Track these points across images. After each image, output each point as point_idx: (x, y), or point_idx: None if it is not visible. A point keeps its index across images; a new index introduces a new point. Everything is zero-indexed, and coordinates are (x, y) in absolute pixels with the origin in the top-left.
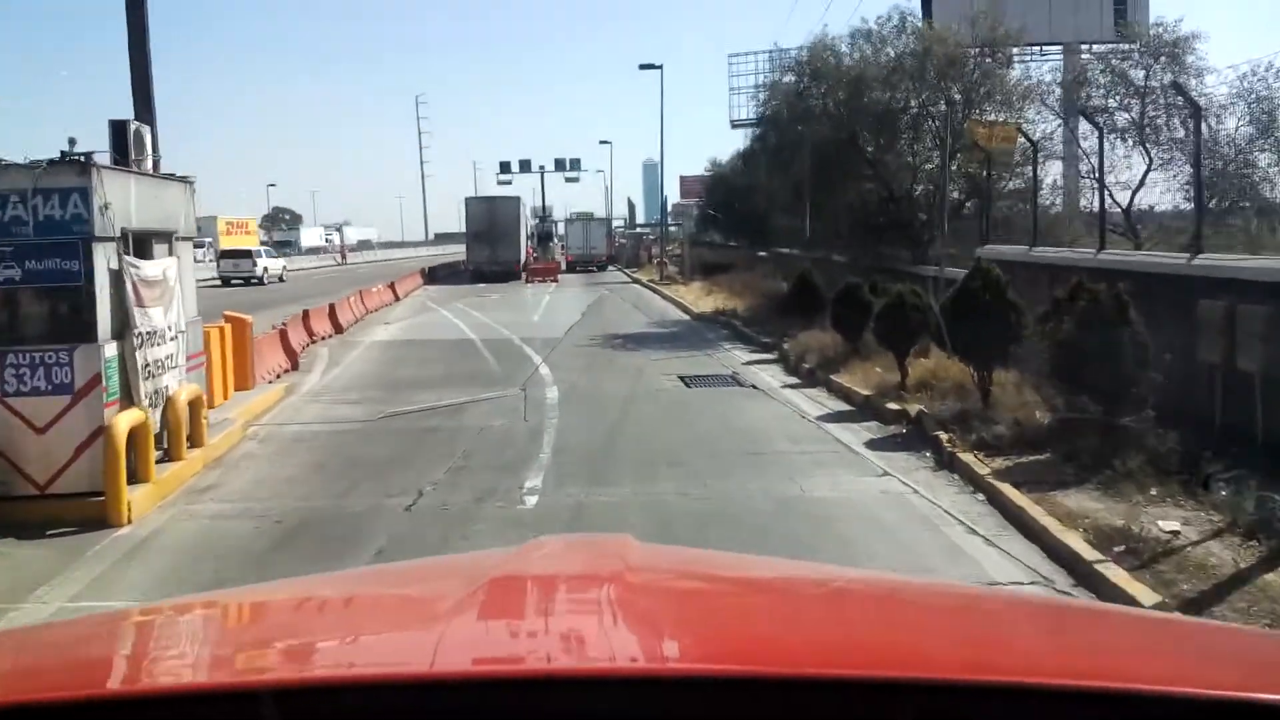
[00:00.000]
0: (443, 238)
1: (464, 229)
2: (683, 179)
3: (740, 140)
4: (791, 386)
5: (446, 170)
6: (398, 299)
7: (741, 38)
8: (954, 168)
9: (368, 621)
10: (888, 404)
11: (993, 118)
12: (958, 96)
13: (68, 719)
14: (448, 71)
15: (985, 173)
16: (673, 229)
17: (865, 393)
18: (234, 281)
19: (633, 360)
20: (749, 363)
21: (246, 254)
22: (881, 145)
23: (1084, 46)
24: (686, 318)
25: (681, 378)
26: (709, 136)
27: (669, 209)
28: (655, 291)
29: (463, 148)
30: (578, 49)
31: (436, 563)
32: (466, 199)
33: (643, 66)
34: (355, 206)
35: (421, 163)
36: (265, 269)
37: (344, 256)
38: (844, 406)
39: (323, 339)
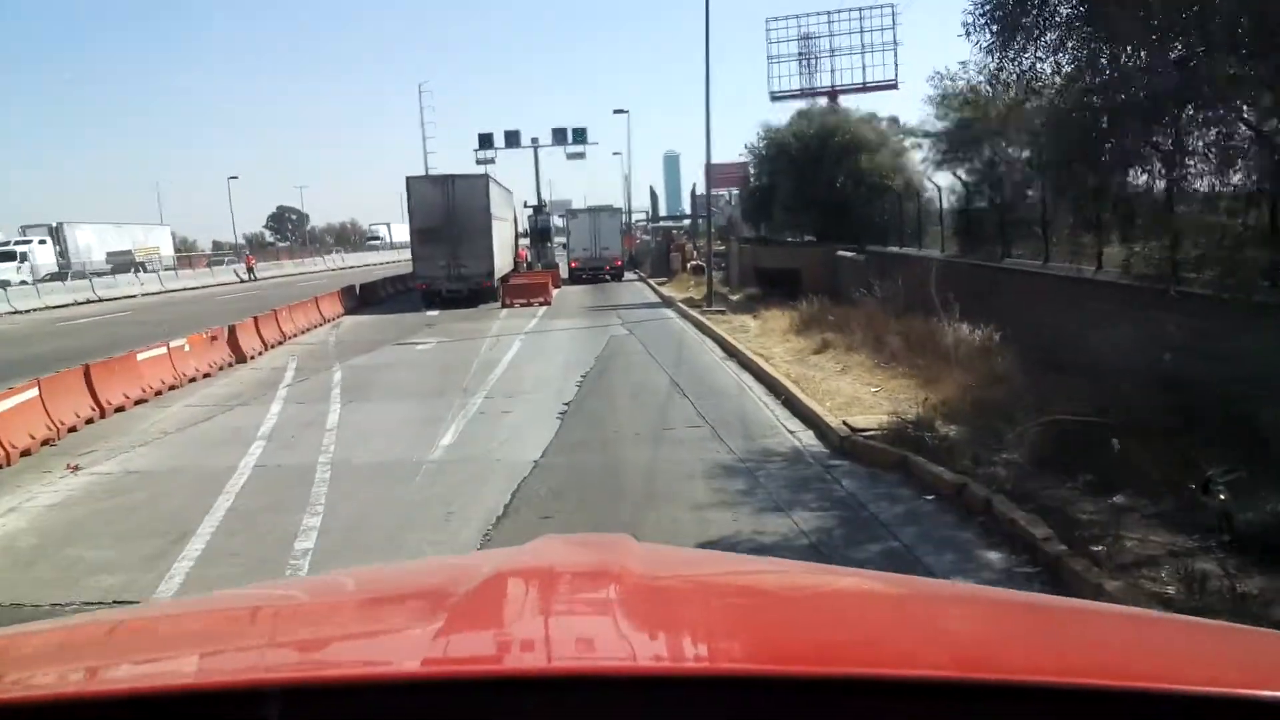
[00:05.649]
0: None
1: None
2: (709, 167)
3: (781, 116)
4: None
5: (450, 163)
6: (243, 358)
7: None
8: None
9: (368, 620)
10: None
11: None
12: None
13: (62, 718)
14: (449, 61)
15: None
16: (702, 221)
17: None
18: None
19: None
20: None
21: None
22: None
23: None
24: (821, 450)
25: None
26: (737, 126)
27: (696, 195)
28: (706, 331)
29: (466, 140)
30: (589, 34)
31: (436, 563)
32: (408, 178)
33: None
34: (358, 202)
35: (425, 154)
36: None
37: (251, 272)
38: None
39: None
